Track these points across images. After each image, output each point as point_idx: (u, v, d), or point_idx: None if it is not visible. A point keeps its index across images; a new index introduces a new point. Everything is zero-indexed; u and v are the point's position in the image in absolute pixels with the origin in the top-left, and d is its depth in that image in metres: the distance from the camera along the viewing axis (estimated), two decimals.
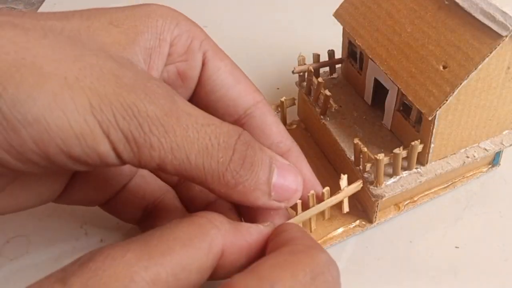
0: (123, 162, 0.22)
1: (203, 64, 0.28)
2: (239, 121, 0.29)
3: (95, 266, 0.19)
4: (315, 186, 0.30)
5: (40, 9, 0.57)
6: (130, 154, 0.21)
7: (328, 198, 0.31)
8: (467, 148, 0.33)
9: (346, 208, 0.33)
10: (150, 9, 0.26)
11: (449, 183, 0.36)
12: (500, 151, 0.36)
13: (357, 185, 0.32)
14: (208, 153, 0.22)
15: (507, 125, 0.34)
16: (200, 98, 0.29)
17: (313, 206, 0.31)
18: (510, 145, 0.34)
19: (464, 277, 0.32)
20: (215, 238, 0.22)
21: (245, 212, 0.28)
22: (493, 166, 0.37)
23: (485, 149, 0.33)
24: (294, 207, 0.30)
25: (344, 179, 0.32)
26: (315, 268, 0.21)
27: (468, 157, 0.33)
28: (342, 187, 0.32)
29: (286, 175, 0.26)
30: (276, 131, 0.29)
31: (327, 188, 0.31)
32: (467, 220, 0.35)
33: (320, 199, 0.31)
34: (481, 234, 0.34)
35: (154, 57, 0.26)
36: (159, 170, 0.22)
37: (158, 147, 0.21)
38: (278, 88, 0.38)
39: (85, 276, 0.19)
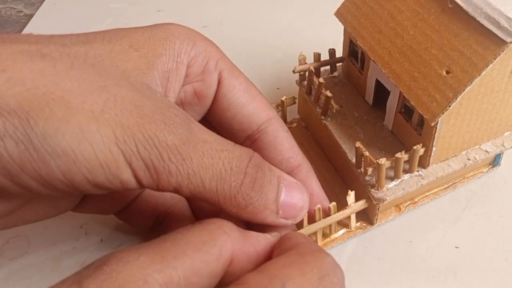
0: (142, 186, 0.23)
1: (219, 83, 0.29)
2: (252, 136, 0.30)
3: (109, 269, 0.20)
4: (323, 201, 0.31)
5: (40, 9, 0.57)
6: (149, 180, 0.22)
7: (334, 213, 0.32)
8: (469, 150, 0.33)
9: (353, 224, 0.34)
10: (168, 31, 0.27)
11: (450, 183, 0.36)
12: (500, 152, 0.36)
13: (363, 203, 0.33)
14: (221, 177, 0.24)
15: (508, 127, 0.34)
16: (216, 114, 0.30)
17: (319, 220, 0.31)
18: (511, 147, 0.34)
19: (464, 277, 0.32)
20: (225, 244, 0.23)
21: (253, 223, 0.29)
22: (493, 166, 0.37)
23: (486, 151, 0.33)
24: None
25: (351, 196, 0.32)
26: (322, 269, 0.22)
27: (469, 159, 0.33)
28: (349, 203, 0.32)
29: (293, 193, 0.27)
30: (287, 146, 0.30)
31: (334, 203, 0.31)
32: (467, 220, 0.35)
33: (327, 213, 0.31)
34: (481, 234, 0.34)
35: (172, 79, 0.26)
36: (174, 193, 0.24)
37: (176, 173, 0.23)
38: (278, 88, 0.38)
39: (100, 278, 0.20)
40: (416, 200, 0.35)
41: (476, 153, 0.33)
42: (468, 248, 0.33)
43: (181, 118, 0.23)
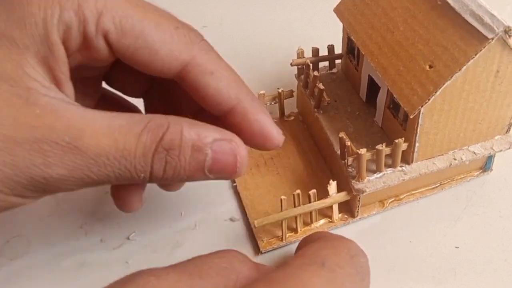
0: None
1: (109, 45, 0.25)
2: (179, 77, 0.27)
3: (143, 281, 0.20)
4: (269, 133, 0.28)
5: None
6: None
7: (314, 200, 0.32)
8: (456, 150, 0.33)
9: (336, 215, 0.34)
10: (24, 9, 0.23)
11: (437, 184, 0.36)
12: (491, 156, 0.36)
13: (345, 194, 0.33)
14: (127, 176, 0.24)
15: (499, 130, 0.34)
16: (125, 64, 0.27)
17: (299, 205, 0.32)
18: (501, 150, 0.34)
19: (464, 277, 0.32)
20: (242, 271, 0.23)
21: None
22: (484, 171, 0.37)
23: (474, 153, 0.33)
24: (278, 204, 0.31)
25: (333, 185, 0.32)
26: (351, 250, 0.24)
27: (455, 159, 0.33)
28: (330, 193, 0.33)
29: (222, 157, 0.25)
30: (213, 92, 0.26)
31: (314, 190, 0.32)
32: (467, 220, 0.35)
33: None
34: (481, 234, 0.34)
35: (53, 64, 0.24)
36: None
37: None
38: (278, 88, 0.39)
39: None
40: (401, 197, 0.35)
41: (463, 154, 0.33)
42: (468, 248, 0.33)
43: (64, 142, 0.22)
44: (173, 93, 0.31)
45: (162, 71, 0.26)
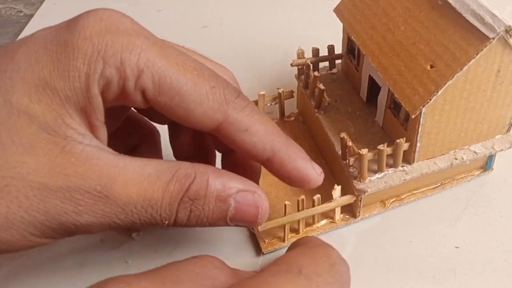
0: None
1: (145, 100, 0.25)
2: (212, 132, 0.27)
3: None
4: (310, 174, 0.28)
5: (40, 9, 0.58)
6: None
7: (318, 205, 0.32)
8: (457, 150, 0.33)
9: (338, 216, 0.34)
10: (70, 57, 0.24)
11: (438, 184, 0.36)
12: (492, 155, 0.36)
13: (349, 198, 0.33)
14: (152, 221, 0.25)
15: (499, 130, 0.34)
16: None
17: (303, 210, 0.32)
18: (502, 149, 0.34)
19: (464, 277, 0.32)
20: (218, 277, 0.23)
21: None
22: (485, 170, 0.37)
23: (475, 152, 0.33)
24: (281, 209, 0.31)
25: (337, 190, 0.32)
26: (330, 258, 0.24)
27: (456, 158, 0.33)
28: (334, 197, 0.32)
29: (245, 208, 0.26)
30: (248, 147, 0.27)
31: (318, 195, 0.32)
32: (467, 220, 0.35)
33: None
34: (481, 234, 0.34)
35: (90, 112, 0.24)
36: None
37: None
38: (278, 88, 0.39)
39: None
40: (402, 197, 0.35)
41: (464, 153, 0.33)
42: (468, 248, 0.33)
43: (94, 192, 0.23)
44: None
45: (196, 126, 0.27)
